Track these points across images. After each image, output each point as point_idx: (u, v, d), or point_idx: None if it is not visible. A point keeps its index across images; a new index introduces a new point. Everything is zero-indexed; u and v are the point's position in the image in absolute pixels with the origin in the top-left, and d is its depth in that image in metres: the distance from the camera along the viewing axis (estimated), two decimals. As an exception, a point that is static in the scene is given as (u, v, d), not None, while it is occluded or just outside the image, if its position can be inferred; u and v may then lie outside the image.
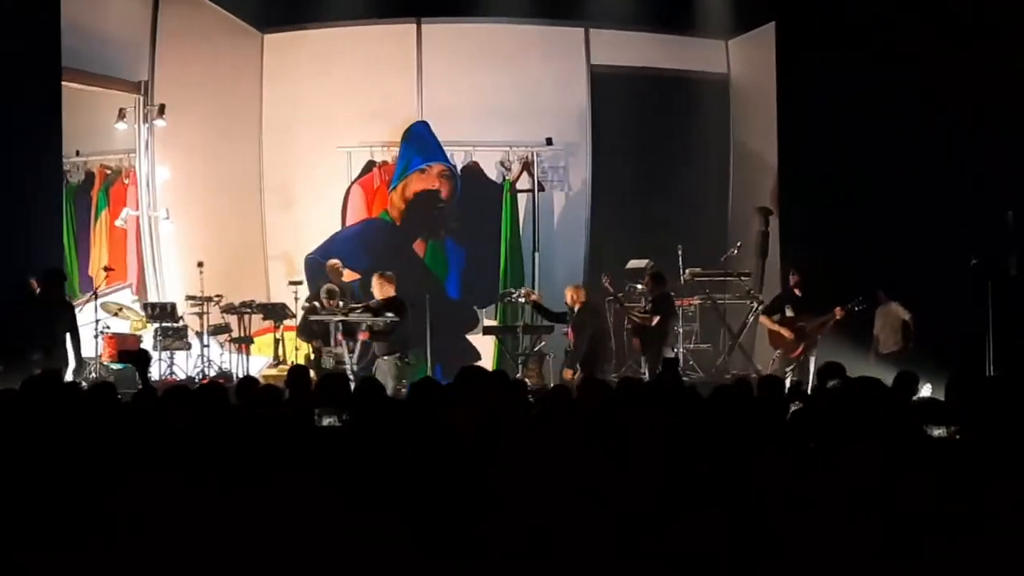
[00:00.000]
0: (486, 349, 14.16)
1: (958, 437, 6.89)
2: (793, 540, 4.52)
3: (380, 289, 12.01)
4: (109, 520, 4.43)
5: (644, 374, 11.75)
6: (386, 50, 14.73)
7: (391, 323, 11.62)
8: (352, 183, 14.64)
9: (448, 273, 14.67)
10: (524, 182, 14.66)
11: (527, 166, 14.60)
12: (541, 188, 14.68)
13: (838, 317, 11.29)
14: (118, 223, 13.73)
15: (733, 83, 15.09)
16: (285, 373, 7.85)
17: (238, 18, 14.44)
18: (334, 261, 13.28)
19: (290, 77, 14.70)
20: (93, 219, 13.85)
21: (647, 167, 14.54)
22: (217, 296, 12.93)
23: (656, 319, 11.78)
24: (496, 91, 14.60)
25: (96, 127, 13.72)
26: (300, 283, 13.54)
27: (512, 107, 14.62)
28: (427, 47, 14.74)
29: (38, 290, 10.85)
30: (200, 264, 13.04)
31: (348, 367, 11.66)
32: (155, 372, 11.69)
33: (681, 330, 13.05)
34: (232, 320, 13.12)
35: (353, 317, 11.89)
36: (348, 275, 13.71)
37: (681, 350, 12.85)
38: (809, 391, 8.35)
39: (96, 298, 12.36)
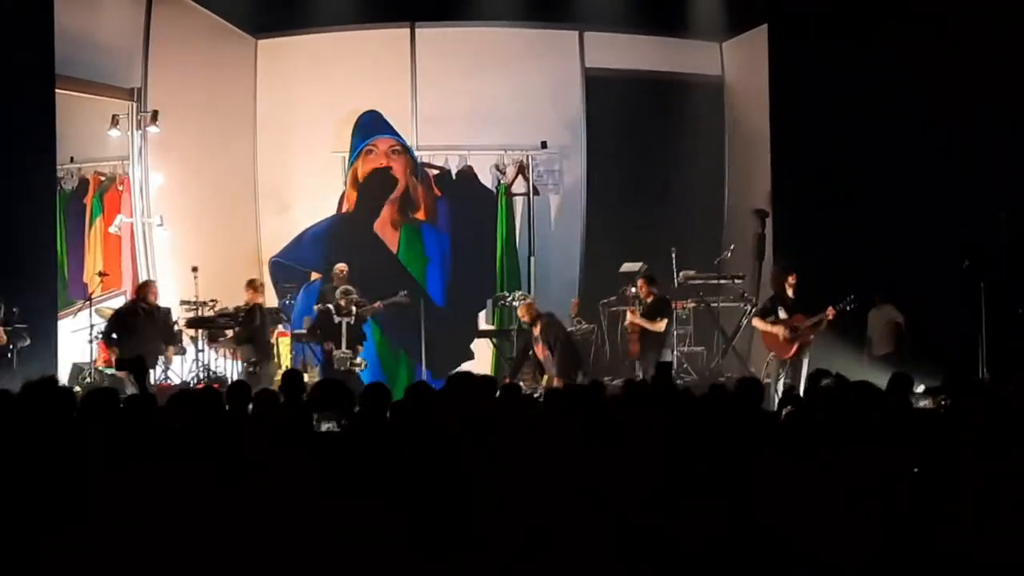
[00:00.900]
0: (483, 352, 14.15)
1: (943, 406, 6.92)
2: (787, 540, 4.53)
3: (247, 295, 12.07)
4: (108, 522, 4.43)
5: (638, 377, 11.72)
6: (380, 55, 14.72)
7: (252, 329, 11.62)
8: (346, 188, 14.59)
9: (427, 263, 14.47)
10: (519, 186, 14.65)
11: (522, 170, 14.60)
12: (536, 192, 14.67)
13: (830, 317, 11.29)
14: (112, 230, 13.71)
15: (727, 85, 15.09)
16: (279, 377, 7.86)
17: (231, 24, 14.42)
18: (341, 266, 13.23)
19: (284, 82, 14.68)
20: (88, 226, 13.83)
21: (642, 170, 14.53)
22: (212, 301, 12.91)
23: (664, 322, 11.77)
24: (490, 95, 14.58)
25: (90, 134, 13.70)
26: (297, 288, 13.51)
27: (506, 111, 14.60)
28: (421, 51, 14.72)
29: None
30: (195, 269, 13.00)
31: (360, 368, 12.01)
32: (150, 376, 11.66)
33: (675, 333, 13.02)
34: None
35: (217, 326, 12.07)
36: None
37: (675, 353, 12.84)
38: (801, 393, 8.35)
39: (91, 304, 12.36)
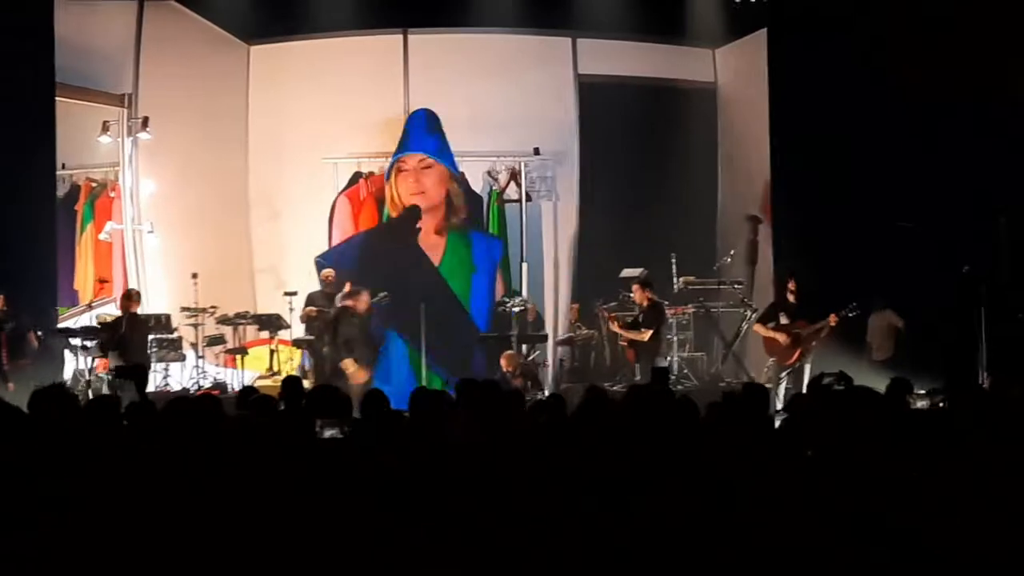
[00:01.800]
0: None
1: (941, 405, 6.91)
2: (787, 543, 4.51)
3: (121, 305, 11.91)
4: (108, 527, 4.39)
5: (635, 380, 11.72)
6: (373, 61, 14.70)
7: (117, 339, 11.40)
8: (339, 195, 14.55)
9: (474, 272, 14.15)
10: (512, 192, 14.63)
11: (515, 176, 14.60)
12: (528, 198, 14.66)
13: (832, 324, 11.29)
14: (102, 236, 13.64)
15: (720, 91, 15.12)
16: (279, 384, 7.82)
17: (224, 30, 14.38)
18: (328, 271, 13.21)
19: (276, 88, 14.65)
20: (79, 233, 13.74)
21: (635, 176, 14.54)
22: (212, 307, 12.86)
23: (649, 333, 11.76)
24: (483, 101, 14.57)
25: (81, 140, 13.61)
26: (294, 294, 13.45)
27: (499, 117, 14.60)
28: (413, 57, 14.72)
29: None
30: (195, 275, 12.98)
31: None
32: (150, 383, 11.60)
33: (675, 338, 13.03)
34: (227, 331, 13.03)
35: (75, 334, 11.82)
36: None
37: (675, 358, 12.84)
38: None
39: (91, 309, 12.32)
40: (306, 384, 9.12)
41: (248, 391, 6.96)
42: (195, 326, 12.74)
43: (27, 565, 4.21)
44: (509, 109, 14.63)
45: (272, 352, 13.25)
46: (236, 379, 12.74)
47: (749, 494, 4.91)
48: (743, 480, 5.05)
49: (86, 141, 13.67)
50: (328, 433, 5.76)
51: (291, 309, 13.29)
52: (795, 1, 13.19)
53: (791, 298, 11.65)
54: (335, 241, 14.37)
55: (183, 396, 8.05)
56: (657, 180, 14.47)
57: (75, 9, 13.05)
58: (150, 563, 4.32)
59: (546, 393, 11.35)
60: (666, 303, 12.84)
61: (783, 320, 11.61)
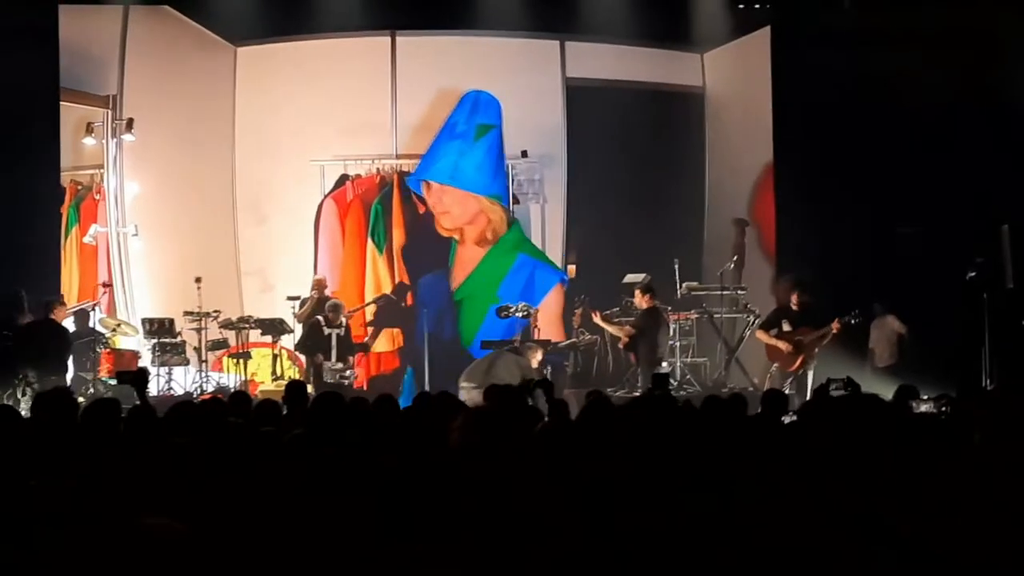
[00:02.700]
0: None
1: (944, 412, 6.92)
2: (787, 548, 4.49)
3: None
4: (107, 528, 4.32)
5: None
6: (360, 63, 14.63)
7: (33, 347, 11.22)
8: (325, 197, 14.45)
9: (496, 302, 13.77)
10: (500, 195, 14.60)
11: (504, 179, 14.55)
12: (516, 200, 14.61)
13: (836, 331, 11.30)
14: (86, 240, 13.52)
15: (708, 96, 15.12)
16: (282, 388, 7.78)
17: (210, 31, 14.26)
18: (320, 277, 13.11)
19: (263, 91, 14.55)
20: (64, 236, 13.60)
21: (623, 179, 14.52)
22: (215, 312, 12.76)
23: (627, 331, 11.74)
24: (472, 104, 14.52)
25: (66, 142, 13.48)
26: (297, 298, 13.37)
27: (487, 120, 14.55)
28: (401, 60, 14.65)
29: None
30: (198, 280, 12.87)
31: (348, 382, 11.90)
32: (153, 387, 11.51)
33: (678, 344, 13.03)
34: (230, 335, 12.94)
35: None
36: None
37: (678, 364, 12.83)
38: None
39: (93, 310, 12.24)
40: (309, 389, 9.07)
41: (239, 396, 6.89)
42: (198, 330, 12.63)
43: (26, 567, 4.15)
44: (497, 112, 14.59)
45: (275, 357, 13.15)
46: (238, 383, 12.66)
47: (755, 499, 4.89)
48: (749, 485, 5.04)
49: (71, 143, 13.54)
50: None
51: (294, 314, 13.22)
52: (796, 6, 13.21)
53: (794, 306, 11.65)
54: (321, 244, 14.30)
55: (187, 400, 7.98)
56: (645, 183, 14.46)
57: (61, 9, 12.93)
58: (150, 567, 4.26)
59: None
60: (668, 308, 12.84)
61: (786, 327, 11.62)
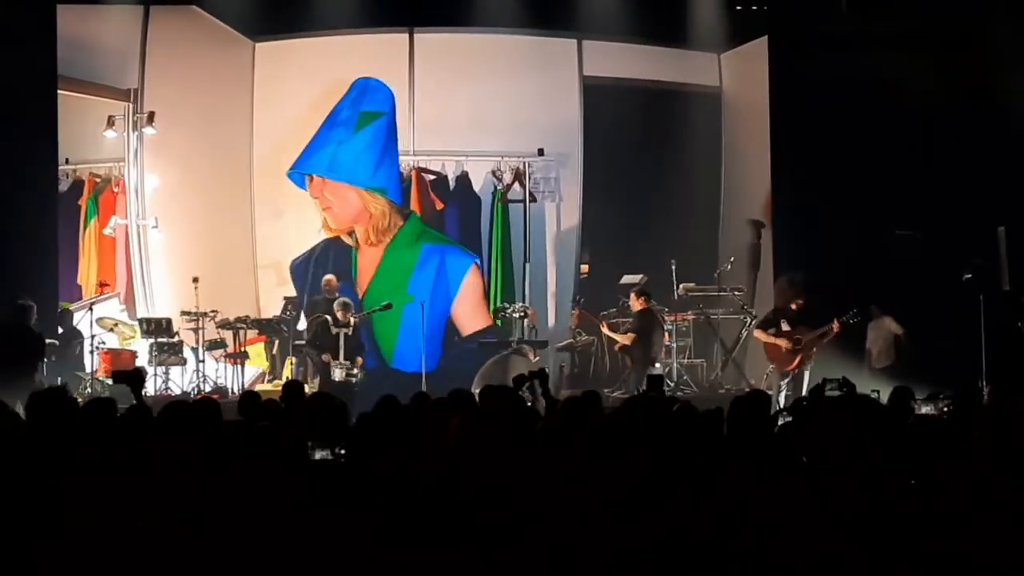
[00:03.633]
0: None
1: (946, 413, 6.91)
2: (785, 551, 4.52)
3: None
4: (101, 531, 4.39)
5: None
6: (378, 60, 14.65)
7: None
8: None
9: (408, 300, 13.55)
10: (516, 192, 14.64)
11: (519, 176, 14.59)
12: (533, 199, 14.65)
13: (835, 330, 11.31)
14: (107, 231, 13.66)
15: (725, 96, 15.10)
16: (280, 388, 7.86)
17: (229, 27, 14.35)
18: (328, 277, 13.21)
19: (281, 86, 14.63)
20: (82, 228, 13.77)
21: (639, 179, 14.55)
22: (212, 311, 12.86)
23: (631, 336, 11.75)
24: (488, 101, 14.56)
25: (85, 135, 13.64)
26: (295, 298, 13.45)
27: (504, 117, 14.59)
28: (419, 57, 14.70)
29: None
30: (195, 280, 12.95)
31: (356, 380, 11.87)
32: (150, 387, 11.63)
33: (675, 345, 13.06)
34: (227, 335, 13.04)
35: None
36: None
37: (675, 365, 12.84)
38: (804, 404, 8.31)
39: (92, 310, 12.34)
40: (307, 389, 9.14)
41: (250, 396, 6.96)
42: (196, 330, 12.74)
43: (23, 566, 4.23)
44: (514, 110, 14.62)
45: (274, 357, 13.26)
46: (236, 383, 12.76)
47: (750, 500, 4.92)
48: (744, 486, 5.06)
49: (90, 136, 13.70)
50: (319, 455, 5.67)
51: (292, 313, 13.31)
52: (796, 9, 13.19)
53: (793, 307, 11.66)
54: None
55: (182, 400, 8.05)
56: (660, 184, 14.48)
57: (81, 4, 13.06)
58: (146, 567, 4.33)
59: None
60: (665, 310, 12.85)
61: (784, 327, 11.63)
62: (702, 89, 15.06)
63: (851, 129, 12.57)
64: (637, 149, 14.54)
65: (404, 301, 13.52)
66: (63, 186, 13.73)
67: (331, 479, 5.02)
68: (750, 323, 12.88)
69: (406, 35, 14.72)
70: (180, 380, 12.68)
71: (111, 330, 12.65)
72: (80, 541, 4.36)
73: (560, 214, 14.97)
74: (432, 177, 14.63)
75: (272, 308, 13.95)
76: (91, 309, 12.64)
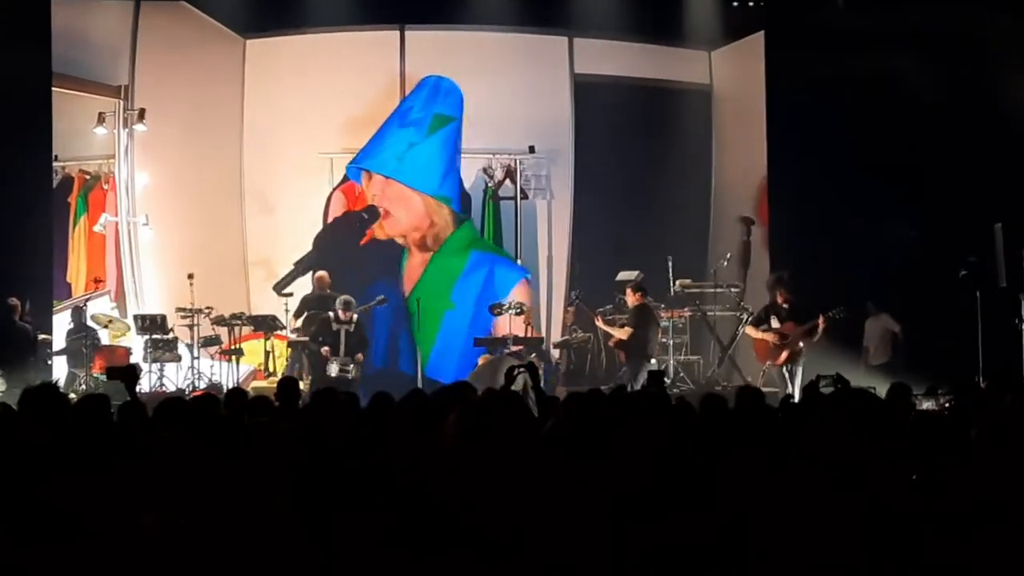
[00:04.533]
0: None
1: (947, 408, 6.93)
2: (781, 548, 4.52)
3: None
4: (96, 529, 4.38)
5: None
6: (369, 57, 14.67)
7: None
8: (333, 190, 14.51)
9: (451, 307, 13.54)
10: (507, 190, 14.64)
11: (510, 173, 14.59)
12: (524, 196, 14.66)
13: (821, 326, 11.34)
14: (97, 228, 13.62)
15: (715, 94, 15.12)
16: (275, 385, 7.86)
17: (220, 23, 14.32)
18: (321, 274, 13.18)
19: (272, 83, 14.60)
20: (72, 225, 13.71)
21: (630, 176, 14.55)
22: (207, 308, 12.83)
23: (627, 331, 11.76)
24: (479, 98, 14.51)
25: (75, 132, 13.60)
26: (291, 295, 13.43)
27: (495, 115, 14.58)
28: (410, 54, 14.68)
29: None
30: (190, 276, 12.92)
31: (351, 376, 11.79)
32: (145, 384, 11.60)
33: (671, 342, 13.10)
34: (222, 332, 13.01)
35: None
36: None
37: (671, 361, 12.86)
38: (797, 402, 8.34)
39: (85, 309, 12.31)
40: (302, 386, 9.13)
41: (236, 393, 6.95)
42: (191, 327, 12.71)
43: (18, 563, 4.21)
44: (505, 107, 14.61)
45: (268, 354, 13.24)
46: (231, 379, 12.71)
47: (749, 500, 4.92)
48: (742, 485, 5.07)
49: (80, 132, 13.65)
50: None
51: (287, 310, 13.27)
52: (792, 5, 13.21)
53: (782, 303, 11.70)
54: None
55: (178, 396, 8.05)
56: (652, 180, 14.48)
57: (72, 0, 13.02)
58: (141, 563, 4.32)
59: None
60: (662, 306, 12.85)
61: (774, 323, 11.66)
62: (693, 86, 15.08)
63: (846, 126, 12.60)
64: (628, 146, 14.55)
65: (446, 308, 13.42)
66: (53, 183, 13.67)
67: (326, 477, 5.02)
68: (746, 320, 12.91)
69: (397, 32, 14.70)
70: (175, 377, 12.65)
71: (105, 326, 12.61)
72: (75, 538, 4.35)
73: (551, 211, 14.97)
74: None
75: (263, 305, 13.90)
76: (84, 306, 12.58)
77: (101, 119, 13.40)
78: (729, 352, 13.27)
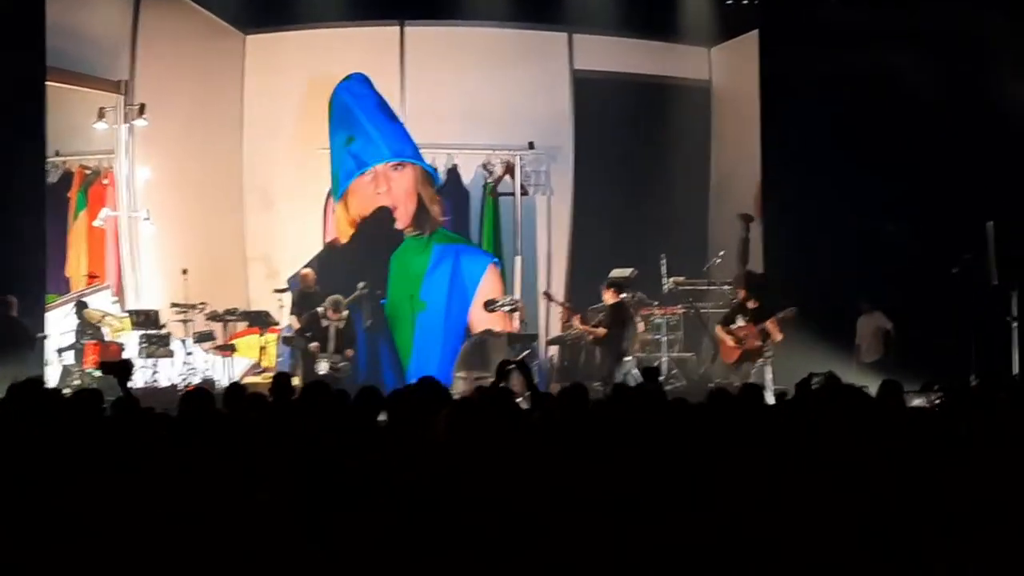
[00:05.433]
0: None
1: (938, 404, 6.94)
2: (778, 545, 4.54)
3: None
4: (93, 526, 4.40)
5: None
6: (369, 52, 14.67)
7: None
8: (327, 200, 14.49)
9: (422, 308, 13.46)
10: (506, 186, 14.65)
11: (510, 170, 14.61)
12: (524, 192, 14.67)
13: (768, 328, 11.30)
14: (96, 223, 13.64)
15: (715, 90, 15.13)
16: (269, 380, 7.88)
17: (220, 19, 14.36)
18: (306, 271, 13.21)
19: (272, 78, 14.63)
20: (71, 220, 13.75)
21: (629, 172, 14.57)
22: (201, 304, 12.87)
23: (602, 330, 11.74)
24: (479, 94, 14.57)
25: (75, 127, 13.62)
26: (285, 290, 13.47)
27: (495, 111, 14.61)
28: (410, 50, 14.71)
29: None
30: (184, 271, 12.96)
31: (341, 373, 11.82)
32: (139, 379, 11.62)
33: (665, 339, 13.10)
34: (216, 327, 13.04)
35: None
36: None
37: (665, 358, 12.88)
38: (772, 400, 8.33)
39: (84, 307, 12.33)
40: (295, 381, 9.16)
41: (235, 388, 6.97)
42: (184, 322, 12.74)
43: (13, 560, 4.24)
44: (505, 103, 14.64)
45: (261, 349, 13.27)
46: (225, 375, 12.73)
47: (745, 498, 4.94)
48: (733, 479, 5.09)
49: (80, 127, 13.67)
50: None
51: (281, 306, 13.31)
52: (787, 3, 13.22)
53: (749, 303, 11.67)
54: (329, 231, 14.36)
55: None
56: (651, 176, 14.49)
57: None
58: (135, 559, 4.34)
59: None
60: (656, 304, 12.85)
61: (740, 322, 11.67)
62: (692, 83, 15.09)
63: (841, 123, 12.60)
64: (627, 142, 14.57)
65: (418, 309, 13.36)
66: (52, 178, 13.70)
67: (322, 476, 5.04)
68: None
69: (397, 28, 14.73)
70: (169, 372, 12.68)
71: (99, 322, 12.64)
72: (72, 534, 4.38)
73: (550, 207, 14.99)
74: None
75: (262, 300, 13.94)
76: (84, 301, 12.63)
77: (101, 114, 13.43)
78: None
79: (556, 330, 14.13)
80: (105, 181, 13.83)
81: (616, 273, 13.34)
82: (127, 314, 13.04)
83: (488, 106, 14.59)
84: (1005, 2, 12.20)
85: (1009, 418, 6.08)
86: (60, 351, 12.25)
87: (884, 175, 12.47)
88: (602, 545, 4.52)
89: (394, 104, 14.46)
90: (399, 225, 13.88)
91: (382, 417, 6.05)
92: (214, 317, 12.95)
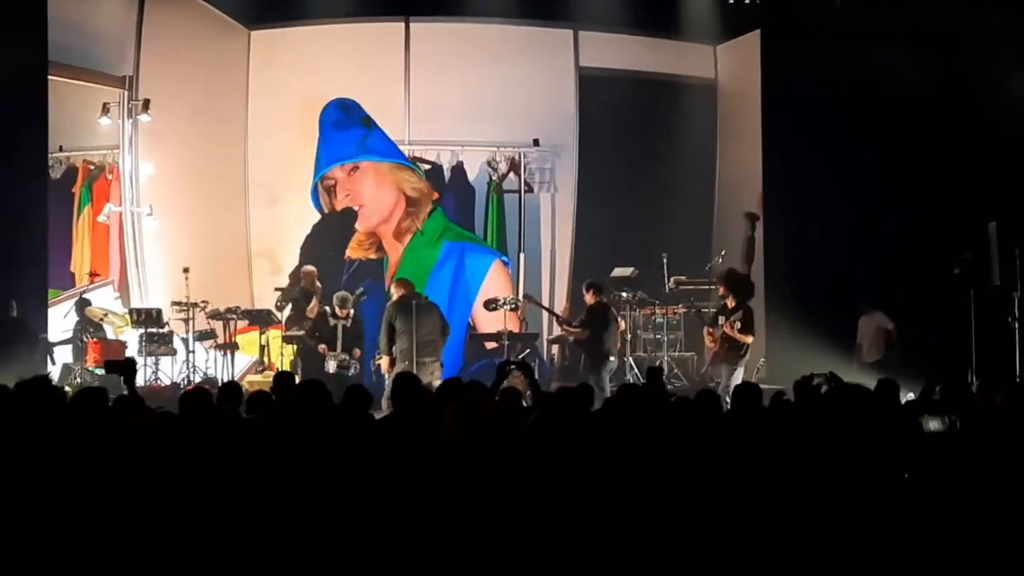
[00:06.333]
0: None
1: (955, 425, 6.90)
2: (775, 543, 4.54)
3: None
4: (92, 523, 4.41)
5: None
6: (374, 48, 14.68)
7: None
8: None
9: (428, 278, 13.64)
10: (511, 182, 14.64)
11: (514, 166, 14.59)
12: (528, 189, 14.66)
13: (725, 332, 11.22)
14: (101, 218, 13.64)
15: (720, 88, 15.11)
16: (270, 379, 7.88)
17: (225, 14, 14.35)
18: (309, 268, 13.20)
19: (276, 74, 14.63)
20: (76, 215, 13.75)
21: (634, 170, 14.56)
22: (203, 302, 12.85)
23: (584, 332, 11.68)
24: (484, 91, 14.56)
25: (80, 122, 13.60)
26: (283, 307, 13.47)
27: (500, 107, 14.60)
28: (415, 46, 14.69)
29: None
30: (186, 270, 12.93)
31: (351, 371, 11.79)
32: (140, 378, 11.61)
33: (665, 338, 13.09)
34: (217, 326, 13.03)
35: None
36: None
37: (665, 358, 12.87)
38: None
39: (86, 304, 12.31)
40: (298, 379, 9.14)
41: (230, 386, 6.96)
42: (186, 320, 12.73)
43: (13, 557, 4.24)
44: (510, 100, 14.63)
45: (263, 348, 13.27)
46: (227, 373, 12.73)
47: (744, 495, 4.94)
48: (738, 482, 5.08)
49: (85, 122, 13.65)
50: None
51: (277, 306, 13.30)
52: (789, 2, 13.20)
53: (727, 300, 11.62)
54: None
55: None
56: (656, 174, 14.49)
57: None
58: (134, 556, 4.35)
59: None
60: (656, 303, 12.82)
61: (720, 322, 11.67)
62: (698, 81, 15.07)
63: (843, 122, 12.57)
64: (633, 140, 14.55)
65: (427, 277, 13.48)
66: (57, 173, 13.70)
67: (321, 474, 5.04)
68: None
69: (402, 24, 14.71)
70: (171, 370, 12.68)
71: (100, 320, 12.64)
72: (70, 530, 4.39)
73: (555, 205, 14.98)
74: (427, 167, 14.62)
75: (266, 297, 13.94)
76: (82, 297, 12.62)
77: (106, 109, 13.42)
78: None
79: (557, 330, 14.12)
80: (109, 176, 13.82)
81: (618, 272, 13.33)
82: (128, 312, 13.03)
83: (493, 103, 14.58)
84: (1006, 2, 12.17)
85: (1009, 418, 6.08)
86: (53, 345, 12.21)
87: (885, 174, 12.46)
88: (602, 545, 4.52)
89: (398, 100, 14.50)
90: (371, 222, 14.02)
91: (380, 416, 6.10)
92: (215, 315, 12.94)
